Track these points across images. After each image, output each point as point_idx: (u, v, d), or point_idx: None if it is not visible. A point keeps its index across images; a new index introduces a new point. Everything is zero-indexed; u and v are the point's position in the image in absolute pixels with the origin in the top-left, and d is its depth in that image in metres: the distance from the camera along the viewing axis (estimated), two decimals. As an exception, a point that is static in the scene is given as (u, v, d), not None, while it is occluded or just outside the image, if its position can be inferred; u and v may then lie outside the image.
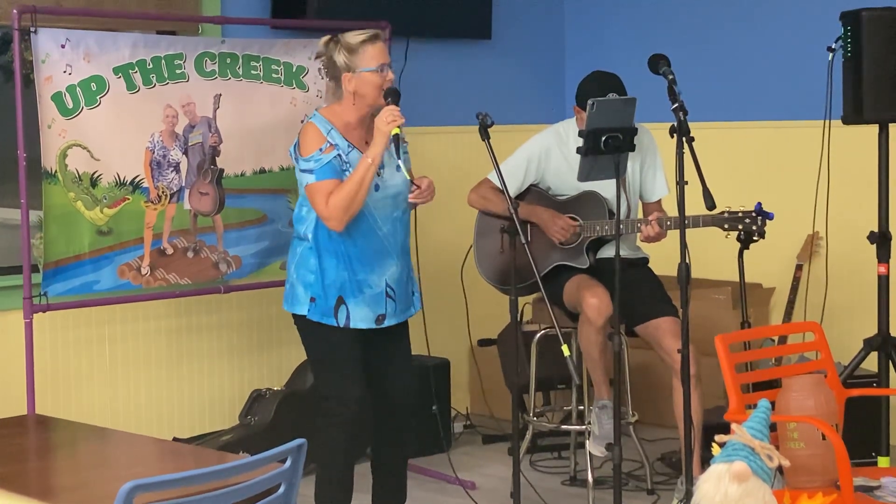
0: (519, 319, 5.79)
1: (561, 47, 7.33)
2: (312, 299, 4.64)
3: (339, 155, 4.57)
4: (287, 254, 5.55)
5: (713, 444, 2.75)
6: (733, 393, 3.97)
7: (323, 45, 4.65)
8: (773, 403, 4.11)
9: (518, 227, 4.44)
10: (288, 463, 2.95)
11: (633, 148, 4.57)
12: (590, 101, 4.48)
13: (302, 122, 5.60)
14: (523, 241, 4.44)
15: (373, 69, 4.56)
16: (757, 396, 3.86)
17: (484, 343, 6.47)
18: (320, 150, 4.56)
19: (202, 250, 5.46)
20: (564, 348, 4.34)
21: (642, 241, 5.14)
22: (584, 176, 4.61)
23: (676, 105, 4.51)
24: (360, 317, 4.63)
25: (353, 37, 4.61)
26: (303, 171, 4.58)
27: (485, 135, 4.61)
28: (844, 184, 5.55)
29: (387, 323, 4.69)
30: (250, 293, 5.84)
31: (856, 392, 4.27)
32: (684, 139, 4.48)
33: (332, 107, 4.68)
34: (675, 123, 4.48)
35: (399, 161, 4.50)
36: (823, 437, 3.88)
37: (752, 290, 6.13)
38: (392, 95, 4.54)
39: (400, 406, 4.81)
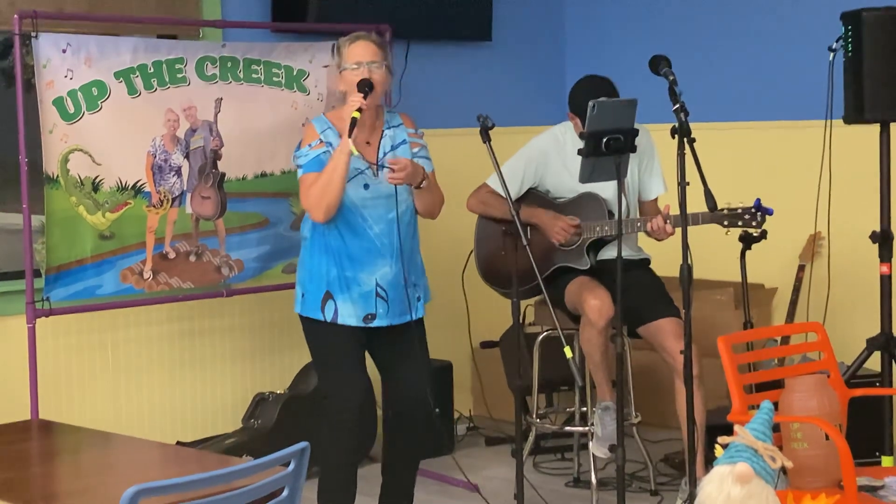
0: (521, 321, 5.84)
1: (561, 49, 7.33)
2: (303, 295, 4.75)
3: (329, 152, 4.64)
4: (289, 257, 5.59)
5: (716, 446, 2.76)
6: (736, 394, 3.97)
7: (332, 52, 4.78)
8: (776, 404, 4.13)
9: (520, 229, 4.44)
10: (291, 466, 2.95)
11: (634, 149, 4.57)
12: (591, 103, 4.47)
13: (304, 125, 5.64)
14: (524, 242, 4.44)
15: (351, 67, 4.66)
16: (760, 397, 3.85)
17: (486, 345, 6.47)
18: (310, 145, 4.67)
19: (204, 254, 5.47)
20: (567, 350, 4.34)
21: (650, 234, 5.12)
22: (585, 177, 4.60)
23: (677, 106, 4.51)
24: (348, 313, 4.68)
25: (342, 39, 4.76)
26: (297, 166, 4.69)
27: (486, 137, 4.62)
28: (846, 183, 5.55)
29: (377, 323, 4.71)
30: (252, 297, 5.85)
31: (859, 392, 4.27)
32: (685, 140, 4.49)
33: (338, 109, 4.78)
34: (676, 124, 4.49)
35: (349, 140, 4.50)
36: (827, 438, 3.88)
37: (754, 290, 6.13)
38: (360, 85, 4.61)
39: (409, 410, 4.81)
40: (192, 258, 5.44)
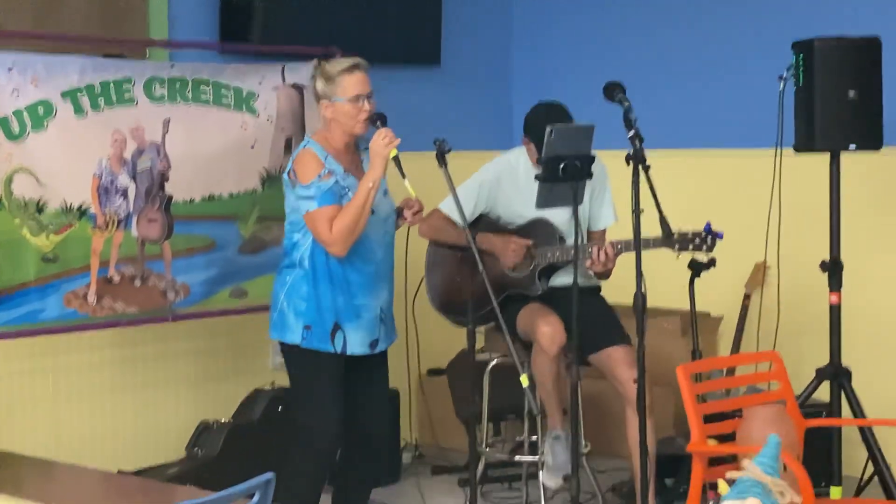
0: (472, 349, 5.79)
1: (508, 75, 7.31)
2: (308, 327, 4.63)
3: (337, 181, 4.58)
4: (237, 281, 5.49)
5: (719, 481, 2.72)
6: (696, 424, 3.95)
7: (311, 72, 4.73)
8: (733, 434, 4.11)
9: (476, 256, 4.40)
10: (256, 498, 2.88)
11: (590, 175, 4.56)
12: (548, 128, 4.45)
13: (252, 147, 5.59)
14: (480, 269, 4.40)
15: (348, 99, 4.59)
16: (717, 428, 3.83)
17: (433, 373, 6.42)
18: (319, 176, 4.56)
19: (150, 278, 5.37)
20: (523, 378, 4.29)
21: (590, 271, 5.09)
22: (541, 203, 4.58)
23: (633, 133, 4.50)
24: (357, 342, 4.65)
25: (333, 65, 4.66)
26: (302, 198, 4.56)
27: (442, 161, 4.58)
28: (796, 212, 5.56)
29: (378, 348, 4.72)
30: (198, 322, 5.74)
31: (815, 422, 4.26)
32: (640, 167, 4.47)
33: (322, 133, 4.71)
34: (631, 151, 4.47)
35: (406, 182, 4.49)
36: (785, 468, 3.86)
37: (700, 318, 6.09)
38: (380, 119, 4.58)
39: (375, 435, 4.81)
40: (138, 282, 5.34)
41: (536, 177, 4.51)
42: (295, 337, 4.63)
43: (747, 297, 6.21)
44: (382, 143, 4.48)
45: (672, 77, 6.63)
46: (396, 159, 4.48)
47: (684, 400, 3.98)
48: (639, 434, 4.48)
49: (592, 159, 4.53)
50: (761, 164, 5.52)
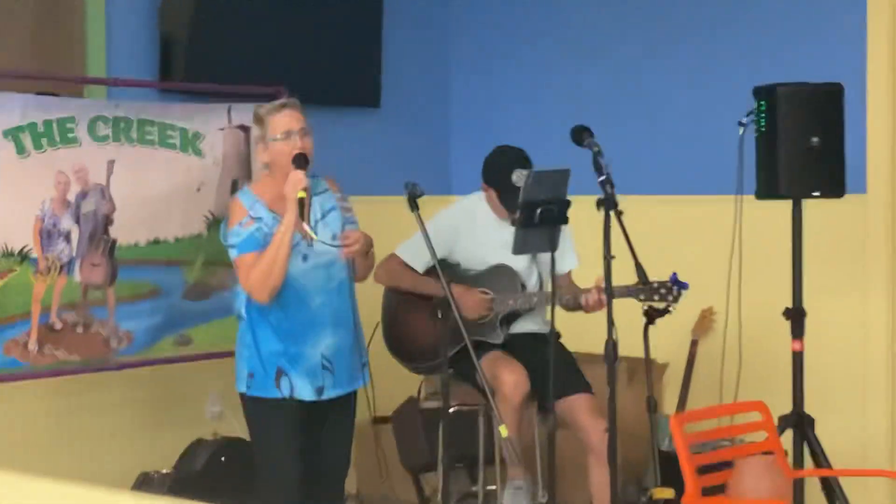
0: (417, 397, 5.65)
1: (447, 118, 7.20)
2: (251, 375, 4.54)
3: (261, 227, 4.47)
4: (181, 328, 5.35)
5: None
6: (690, 476, 3.85)
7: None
8: (723, 486, 4.02)
9: (452, 303, 4.28)
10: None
11: (566, 220, 4.47)
12: (526, 172, 4.38)
13: (198, 189, 5.41)
14: (457, 314, 4.30)
15: (279, 137, 4.51)
16: (711, 479, 3.73)
17: (378, 421, 6.25)
18: (240, 223, 4.48)
19: (93, 325, 5.15)
20: (502, 429, 4.17)
21: (586, 308, 4.99)
22: (517, 248, 4.50)
23: (604, 177, 4.45)
24: (303, 387, 4.53)
25: (262, 108, 4.62)
26: (228, 246, 4.49)
27: (413, 205, 4.46)
28: (756, 258, 5.51)
29: (326, 395, 4.58)
30: (141, 370, 5.51)
31: (803, 473, 4.19)
32: (612, 212, 4.41)
33: (264, 179, 4.63)
34: (602, 196, 4.41)
35: (305, 225, 4.38)
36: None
37: (645, 365, 6.05)
38: (297, 160, 4.46)
39: (334, 482, 4.71)
40: (80, 329, 5.11)
41: (513, 222, 4.42)
42: (241, 385, 4.59)
43: (694, 343, 6.16)
44: (290, 186, 4.39)
45: (620, 122, 6.52)
46: (301, 202, 4.37)
47: (678, 451, 3.87)
48: (609, 484, 4.42)
49: (569, 204, 4.44)
50: (720, 211, 5.46)
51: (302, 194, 4.37)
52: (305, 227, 4.37)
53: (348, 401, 4.68)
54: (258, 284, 4.41)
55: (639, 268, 4.36)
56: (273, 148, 4.52)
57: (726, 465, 4.10)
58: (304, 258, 4.49)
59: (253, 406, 4.58)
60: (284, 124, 4.51)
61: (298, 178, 4.39)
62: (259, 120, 4.58)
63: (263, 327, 4.51)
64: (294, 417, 4.55)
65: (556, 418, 4.51)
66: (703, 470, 4.09)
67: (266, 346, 4.52)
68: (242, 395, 4.60)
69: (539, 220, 4.36)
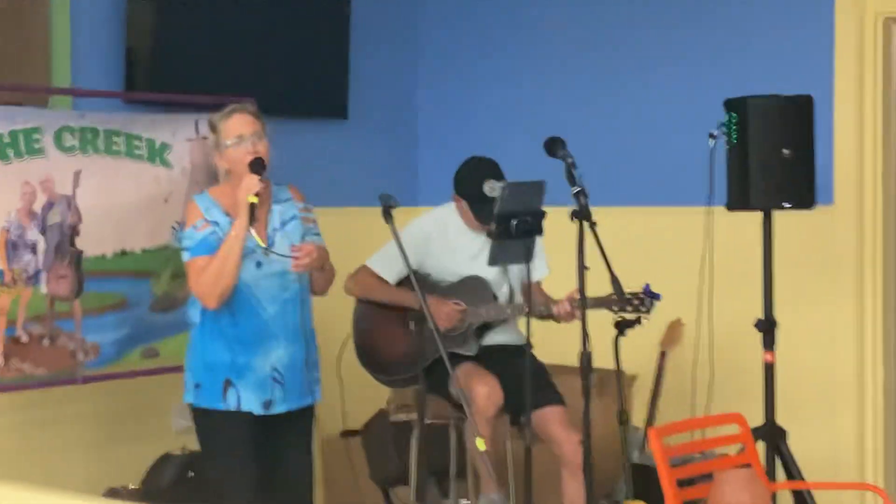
0: (387, 409, 5.61)
1: (414, 129, 7.17)
2: (197, 385, 4.49)
3: (216, 232, 4.42)
4: (148, 340, 5.29)
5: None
6: (669, 488, 3.83)
7: None
8: (704, 500, 4.00)
9: (428, 314, 4.24)
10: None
11: (541, 231, 4.45)
12: (501, 185, 4.36)
13: (166, 200, 5.35)
14: (433, 326, 4.26)
15: (232, 142, 4.49)
16: (690, 493, 3.71)
17: (348, 434, 6.20)
18: (194, 226, 4.43)
19: (59, 338, 5.08)
20: (480, 442, 4.14)
21: (558, 318, 4.97)
22: (493, 260, 4.48)
23: (578, 189, 4.42)
24: (248, 398, 4.45)
25: (214, 115, 4.58)
26: (181, 248, 4.46)
27: (388, 217, 4.42)
28: (727, 270, 5.51)
29: (275, 410, 4.49)
30: (108, 383, 5.44)
31: (782, 486, 4.18)
32: (586, 223, 4.40)
33: (224, 184, 4.57)
34: (576, 207, 4.40)
35: (254, 231, 4.34)
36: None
37: (612, 376, 6.02)
38: (253, 165, 4.42)
39: (297, 499, 4.62)
40: (46, 342, 5.04)
41: (488, 234, 4.39)
42: (189, 396, 4.54)
43: (663, 355, 6.14)
44: (243, 190, 4.37)
45: (590, 133, 6.48)
46: (252, 207, 4.34)
47: (657, 463, 3.85)
48: (584, 496, 4.41)
49: (544, 215, 4.42)
50: (691, 222, 5.46)
51: (253, 199, 4.33)
52: (254, 232, 4.32)
53: (302, 416, 4.59)
54: (207, 288, 4.35)
55: (614, 279, 4.34)
56: (227, 154, 4.49)
57: (705, 478, 4.08)
58: (258, 265, 4.43)
59: (202, 417, 4.51)
60: (236, 129, 4.48)
61: (253, 182, 4.35)
62: (213, 127, 4.56)
63: (214, 336, 4.45)
64: (243, 430, 4.46)
65: (532, 431, 4.46)
66: (681, 483, 4.07)
67: (214, 356, 4.45)
68: (190, 406, 4.55)
69: (515, 231, 4.33)
